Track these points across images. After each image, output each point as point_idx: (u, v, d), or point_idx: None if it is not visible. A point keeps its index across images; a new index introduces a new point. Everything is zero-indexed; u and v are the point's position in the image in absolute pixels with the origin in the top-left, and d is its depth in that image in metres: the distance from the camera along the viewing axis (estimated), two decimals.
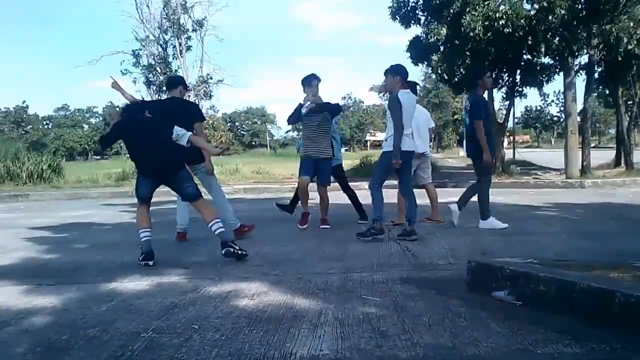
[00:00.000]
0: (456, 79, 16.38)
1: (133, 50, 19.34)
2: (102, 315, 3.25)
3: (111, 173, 18.62)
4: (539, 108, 74.98)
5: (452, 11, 13.57)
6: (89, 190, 15.18)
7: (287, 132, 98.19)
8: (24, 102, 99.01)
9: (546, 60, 15.25)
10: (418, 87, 7.34)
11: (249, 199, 12.01)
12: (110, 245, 5.77)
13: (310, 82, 6.49)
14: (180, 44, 20.00)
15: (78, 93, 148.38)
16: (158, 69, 19.11)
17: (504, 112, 18.97)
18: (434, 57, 15.15)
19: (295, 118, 6.56)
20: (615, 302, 2.64)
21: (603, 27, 12.48)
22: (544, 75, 16.19)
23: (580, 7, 12.75)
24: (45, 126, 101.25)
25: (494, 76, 16.49)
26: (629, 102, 19.32)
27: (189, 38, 20.33)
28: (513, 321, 2.86)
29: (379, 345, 2.58)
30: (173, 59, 19.84)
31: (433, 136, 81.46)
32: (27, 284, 4.09)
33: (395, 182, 6.22)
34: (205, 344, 2.68)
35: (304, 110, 6.47)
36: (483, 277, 3.47)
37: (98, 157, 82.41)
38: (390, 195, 6.86)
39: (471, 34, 13.02)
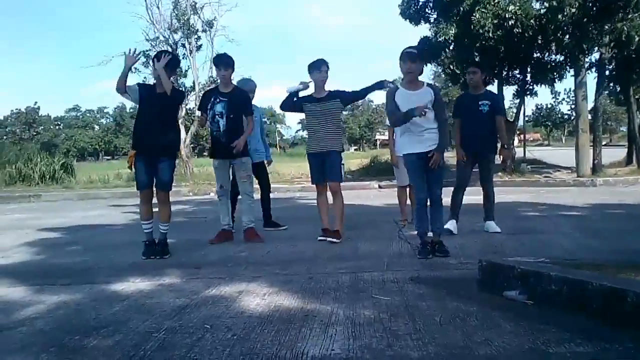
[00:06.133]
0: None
1: (143, 51, 19.43)
2: (114, 315, 3.28)
3: (122, 173, 18.68)
4: (549, 106, 74.20)
5: (461, 9, 13.52)
6: (100, 190, 15.28)
7: (297, 131, 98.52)
8: (35, 103, 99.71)
9: (557, 58, 15.15)
10: None
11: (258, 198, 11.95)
12: (121, 246, 5.81)
13: (319, 66, 5.56)
14: (190, 45, 20.07)
15: (89, 94, 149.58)
16: None
17: (515, 110, 18.86)
18: (444, 55, 15.08)
19: (288, 104, 5.84)
20: (628, 301, 2.62)
21: (614, 25, 12.38)
22: (554, 73, 16.07)
23: (591, 5, 12.66)
24: (57, 127, 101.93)
25: (504, 74, 16.45)
26: None
27: (198, 38, 20.40)
28: (524, 321, 2.85)
29: (390, 345, 2.58)
30: (183, 59, 19.92)
31: None
32: (40, 284, 4.13)
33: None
34: (218, 343, 2.69)
35: (297, 87, 5.66)
36: (494, 277, 3.47)
37: (109, 158, 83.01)
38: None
39: (481, 31, 12.98)
